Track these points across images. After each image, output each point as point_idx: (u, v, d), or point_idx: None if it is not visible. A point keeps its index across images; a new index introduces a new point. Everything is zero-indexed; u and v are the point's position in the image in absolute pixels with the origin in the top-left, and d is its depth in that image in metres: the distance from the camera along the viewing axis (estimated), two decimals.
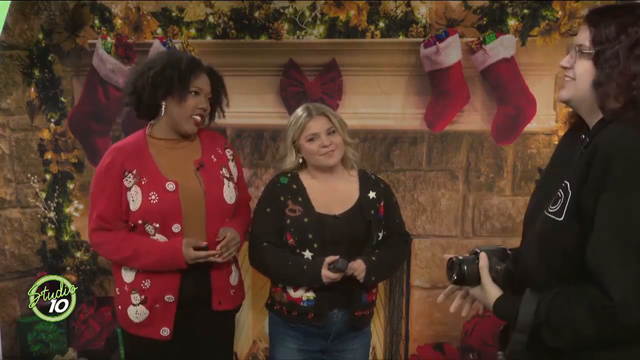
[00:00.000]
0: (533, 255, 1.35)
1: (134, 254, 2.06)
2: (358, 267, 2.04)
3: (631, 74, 1.21)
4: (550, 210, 1.29)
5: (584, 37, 1.29)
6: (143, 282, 2.09)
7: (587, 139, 1.32)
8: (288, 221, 2.10)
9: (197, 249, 2.03)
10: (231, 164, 2.22)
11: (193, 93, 2.06)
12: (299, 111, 2.17)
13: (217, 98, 2.18)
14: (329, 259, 2.02)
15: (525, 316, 1.26)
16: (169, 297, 2.08)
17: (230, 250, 2.08)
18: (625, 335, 1.17)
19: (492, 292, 1.39)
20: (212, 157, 2.16)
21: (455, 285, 1.48)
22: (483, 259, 1.42)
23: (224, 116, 2.24)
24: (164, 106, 2.08)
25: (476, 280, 1.42)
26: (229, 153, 2.24)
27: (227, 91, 2.22)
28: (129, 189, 2.06)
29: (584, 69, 1.29)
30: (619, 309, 1.13)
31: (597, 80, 1.25)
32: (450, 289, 1.54)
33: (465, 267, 1.42)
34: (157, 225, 2.06)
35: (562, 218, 1.25)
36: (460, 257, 1.44)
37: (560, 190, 1.29)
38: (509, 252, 1.46)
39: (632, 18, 1.24)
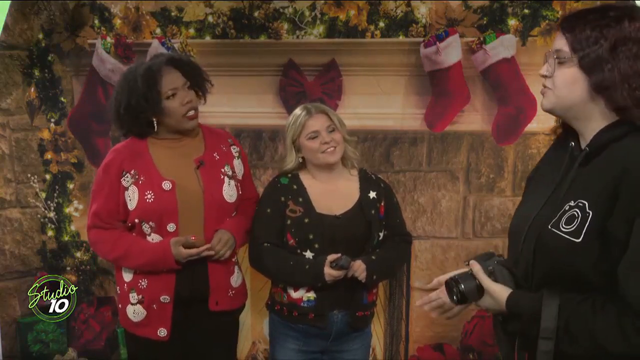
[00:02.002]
0: (526, 267, 1.32)
1: (126, 254, 2.07)
2: (358, 267, 2.04)
3: (625, 74, 1.19)
4: (563, 229, 1.24)
5: (561, 43, 1.27)
6: (140, 281, 2.10)
7: (582, 147, 1.29)
8: (289, 222, 2.09)
9: (187, 246, 2.03)
10: (236, 162, 2.21)
11: (170, 97, 2.05)
12: (298, 111, 2.17)
13: (195, 82, 2.13)
14: (331, 257, 2.02)
15: (548, 322, 1.21)
16: (165, 298, 2.08)
17: (220, 252, 2.08)
18: None
19: (499, 292, 1.33)
20: (215, 154, 2.16)
21: (461, 304, 1.43)
22: (474, 265, 1.38)
23: (212, 85, 2.19)
24: (155, 121, 2.09)
25: (478, 293, 1.37)
26: (234, 150, 2.23)
27: (200, 69, 2.16)
28: (127, 188, 2.08)
29: (565, 77, 1.26)
30: None
31: (599, 85, 1.22)
32: (427, 298, 1.54)
33: (463, 286, 1.37)
34: (153, 225, 2.06)
35: (580, 239, 1.20)
36: (455, 277, 1.40)
37: (576, 210, 1.23)
38: (497, 255, 1.43)
39: (605, 20, 1.22)
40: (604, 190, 1.19)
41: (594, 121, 1.27)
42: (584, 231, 1.20)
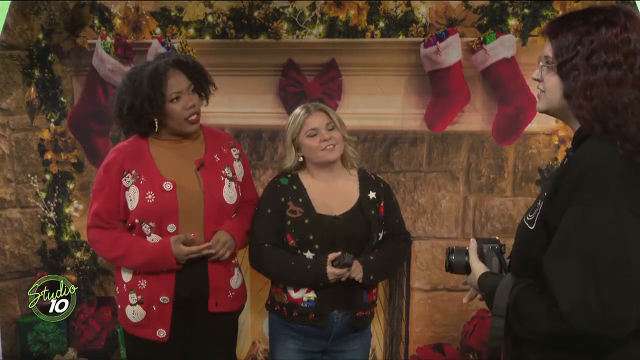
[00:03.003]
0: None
1: (125, 253, 2.07)
2: (355, 268, 2.04)
3: (589, 83, 1.21)
4: (527, 218, 1.33)
5: (547, 49, 1.30)
6: (139, 282, 2.10)
7: (569, 150, 1.34)
8: (289, 222, 2.09)
9: (187, 243, 2.03)
10: (236, 164, 2.21)
11: (174, 100, 2.05)
12: (298, 109, 2.18)
13: (200, 85, 2.13)
14: (332, 256, 2.02)
15: (500, 300, 1.28)
16: (164, 298, 2.08)
17: (220, 253, 2.08)
18: (587, 338, 1.16)
19: (476, 270, 1.42)
20: (215, 156, 2.16)
21: (449, 272, 1.54)
22: (472, 243, 1.47)
23: (215, 88, 2.20)
24: (156, 121, 2.09)
25: (465, 269, 1.48)
26: (234, 152, 2.23)
27: (205, 72, 2.16)
28: (128, 188, 2.08)
29: (552, 82, 1.29)
30: (569, 319, 1.13)
31: (565, 93, 1.26)
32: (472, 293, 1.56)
33: (453, 257, 1.50)
34: (153, 225, 2.06)
35: (533, 227, 1.29)
36: (453, 248, 1.52)
37: (540, 200, 1.32)
38: (501, 243, 1.50)
39: (586, 27, 1.23)
40: (554, 182, 1.26)
41: (577, 123, 1.31)
42: (535, 220, 1.29)
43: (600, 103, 1.21)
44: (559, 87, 1.28)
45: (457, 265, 1.50)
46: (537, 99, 1.37)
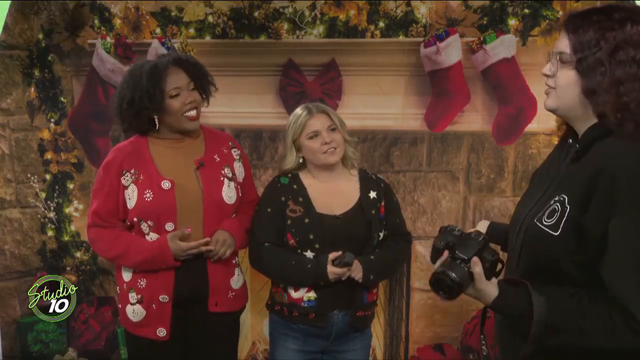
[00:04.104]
0: (515, 260, 1.35)
1: (124, 252, 2.08)
2: (355, 268, 2.04)
3: (617, 79, 1.19)
4: (545, 222, 1.28)
5: (564, 44, 1.27)
6: (139, 281, 2.10)
7: (577, 145, 1.31)
8: (289, 222, 2.09)
9: (183, 239, 2.03)
10: (237, 164, 2.21)
11: (174, 96, 2.06)
12: (299, 110, 2.17)
13: (200, 83, 2.14)
14: (332, 255, 2.02)
15: (539, 315, 1.22)
16: (163, 297, 2.08)
17: (220, 252, 2.08)
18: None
19: (489, 293, 1.29)
20: (215, 156, 2.16)
21: (450, 300, 1.31)
22: (477, 265, 1.29)
23: (216, 89, 2.20)
24: (156, 118, 2.09)
25: (470, 284, 1.30)
26: (235, 152, 2.23)
27: (206, 71, 2.17)
28: (127, 187, 2.08)
29: (567, 78, 1.27)
30: None
31: (588, 89, 1.23)
32: None
33: (454, 274, 1.28)
34: (152, 224, 2.07)
35: (558, 233, 1.24)
36: (441, 268, 1.30)
37: (557, 204, 1.27)
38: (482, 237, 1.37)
39: (609, 22, 1.22)
40: (581, 187, 1.22)
41: (589, 121, 1.28)
42: (561, 225, 1.23)
43: (632, 100, 1.19)
44: (576, 83, 1.25)
45: (464, 282, 1.29)
46: (546, 96, 1.34)
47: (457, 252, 1.32)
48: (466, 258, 1.30)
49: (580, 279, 1.24)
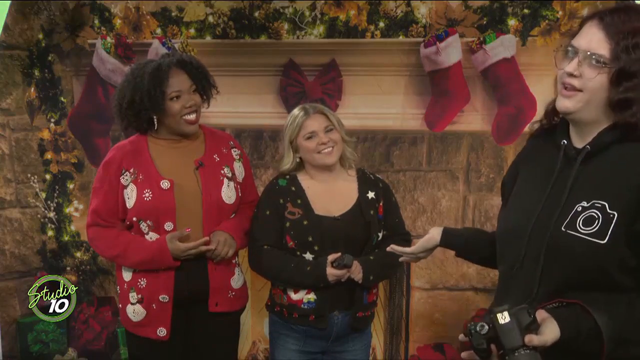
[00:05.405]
0: (531, 270, 1.27)
1: (124, 252, 2.08)
2: (355, 269, 2.04)
3: None
4: (582, 230, 1.20)
5: (600, 46, 1.17)
6: (139, 281, 2.10)
7: (588, 147, 1.26)
8: (288, 224, 2.09)
9: (183, 240, 2.03)
10: (237, 164, 2.21)
11: (174, 99, 2.06)
12: (296, 111, 2.17)
13: (202, 86, 2.14)
14: (331, 257, 2.02)
15: (610, 332, 1.16)
16: (164, 297, 2.08)
17: (222, 252, 2.08)
18: None
19: (554, 335, 1.17)
20: (215, 156, 2.16)
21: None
22: (532, 340, 1.14)
23: (218, 92, 2.21)
24: (155, 119, 2.09)
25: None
26: (235, 153, 2.23)
27: (208, 74, 2.17)
28: (126, 187, 2.08)
29: (600, 83, 1.18)
30: None
31: (623, 99, 1.16)
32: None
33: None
34: (151, 223, 2.07)
35: (605, 240, 1.18)
36: (482, 327, 1.21)
37: (596, 210, 1.20)
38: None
39: None
40: (628, 193, 1.18)
41: (600, 125, 1.25)
42: (609, 232, 1.18)
43: None
44: (606, 89, 1.18)
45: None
46: (564, 97, 1.24)
47: (505, 347, 1.18)
48: (520, 345, 1.16)
49: (626, 284, 1.21)
